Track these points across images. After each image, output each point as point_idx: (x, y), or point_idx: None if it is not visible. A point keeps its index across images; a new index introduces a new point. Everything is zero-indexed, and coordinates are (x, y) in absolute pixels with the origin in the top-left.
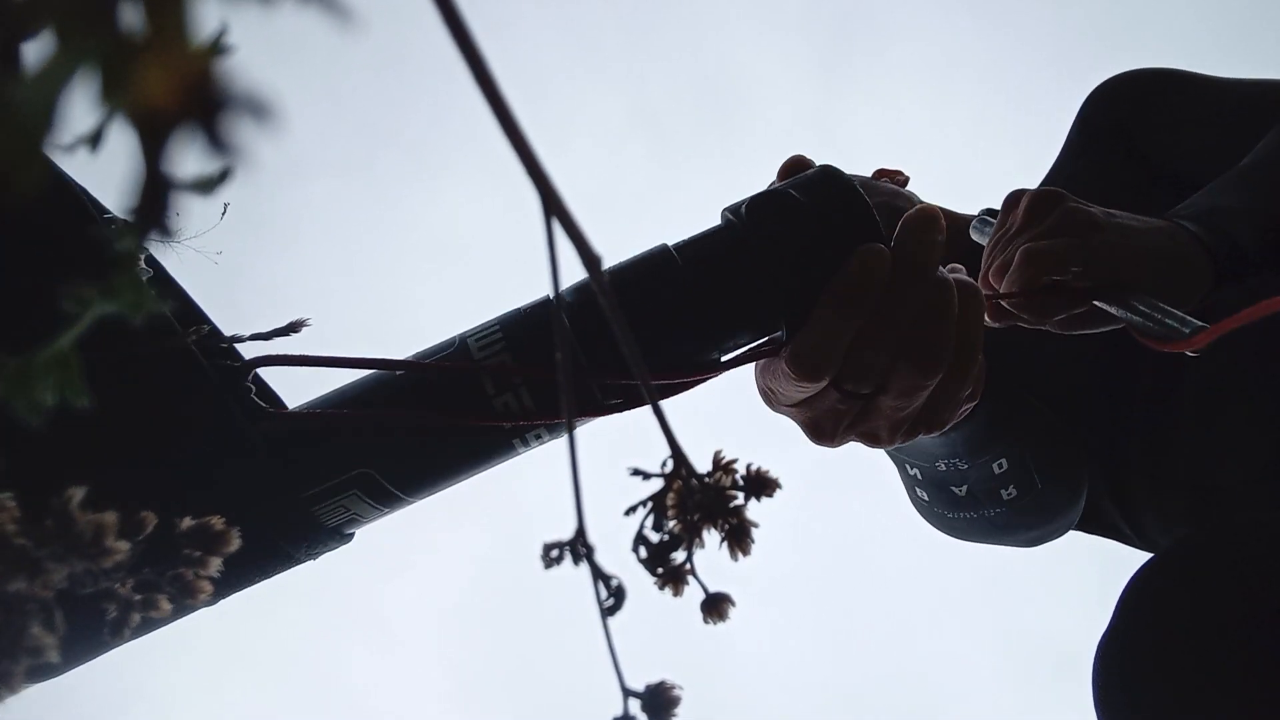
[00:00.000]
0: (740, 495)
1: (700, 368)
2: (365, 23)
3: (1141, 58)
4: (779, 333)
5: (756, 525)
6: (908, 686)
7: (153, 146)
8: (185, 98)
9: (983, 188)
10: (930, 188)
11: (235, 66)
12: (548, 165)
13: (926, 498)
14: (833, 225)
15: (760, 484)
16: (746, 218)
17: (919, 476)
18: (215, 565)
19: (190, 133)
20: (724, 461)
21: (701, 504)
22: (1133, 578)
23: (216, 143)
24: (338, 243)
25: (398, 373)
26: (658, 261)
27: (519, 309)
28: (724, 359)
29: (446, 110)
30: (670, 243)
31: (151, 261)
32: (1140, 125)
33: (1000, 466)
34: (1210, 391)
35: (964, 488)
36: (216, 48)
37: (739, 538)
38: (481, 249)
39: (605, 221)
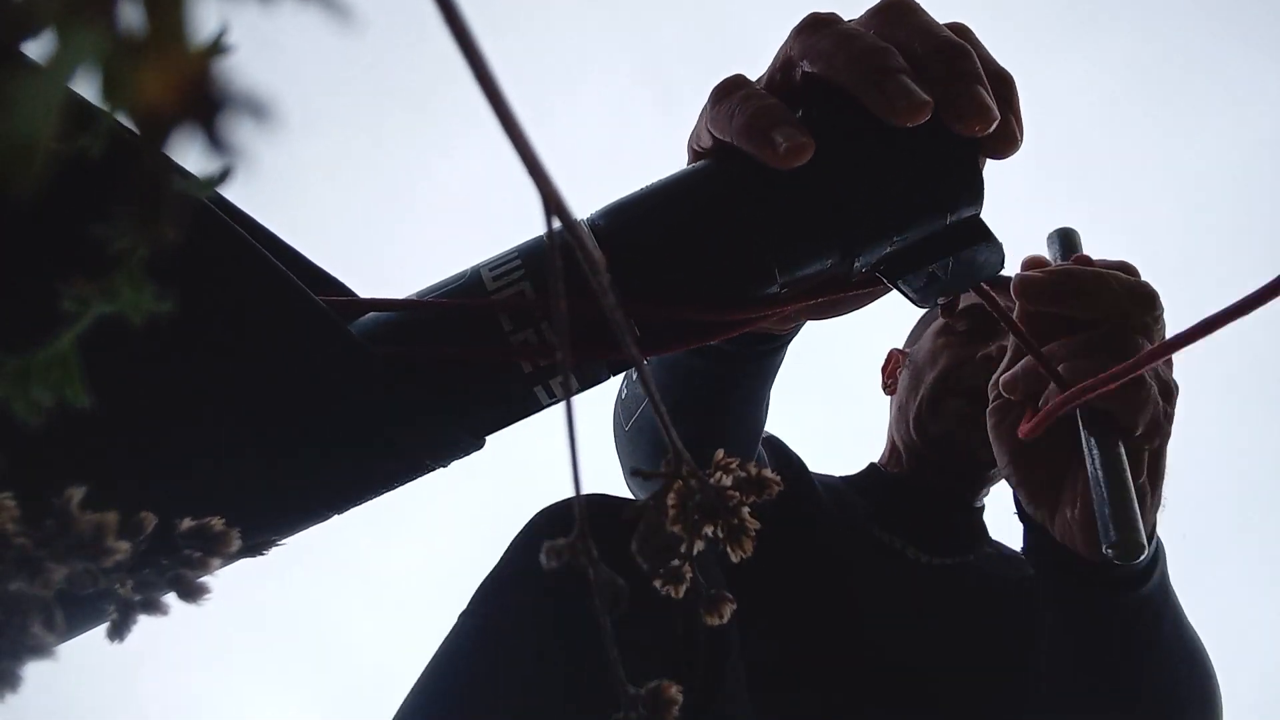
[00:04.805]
0: (739, 494)
1: (753, 302)
2: (364, 22)
3: (1142, 30)
4: (834, 260)
5: (757, 525)
6: None
7: (152, 146)
8: (185, 97)
9: None
10: None
11: (235, 64)
12: (552, 122)
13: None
14: (899, 144)
15: (760, 484)
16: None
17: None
18: (215, 565)
19: (190, 133)
20: (723, 461)
21: (701, 503)
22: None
23: (216, 142)
24: (342, 197)
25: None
26: (706, 178)
27: (540, 235)
28: (785, 292)
29: (454, 65)
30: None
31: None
32: None
33: None
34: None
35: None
36: (216, 47)
37: (738, 537)
38: (491, 205)
39: (613, 176)
